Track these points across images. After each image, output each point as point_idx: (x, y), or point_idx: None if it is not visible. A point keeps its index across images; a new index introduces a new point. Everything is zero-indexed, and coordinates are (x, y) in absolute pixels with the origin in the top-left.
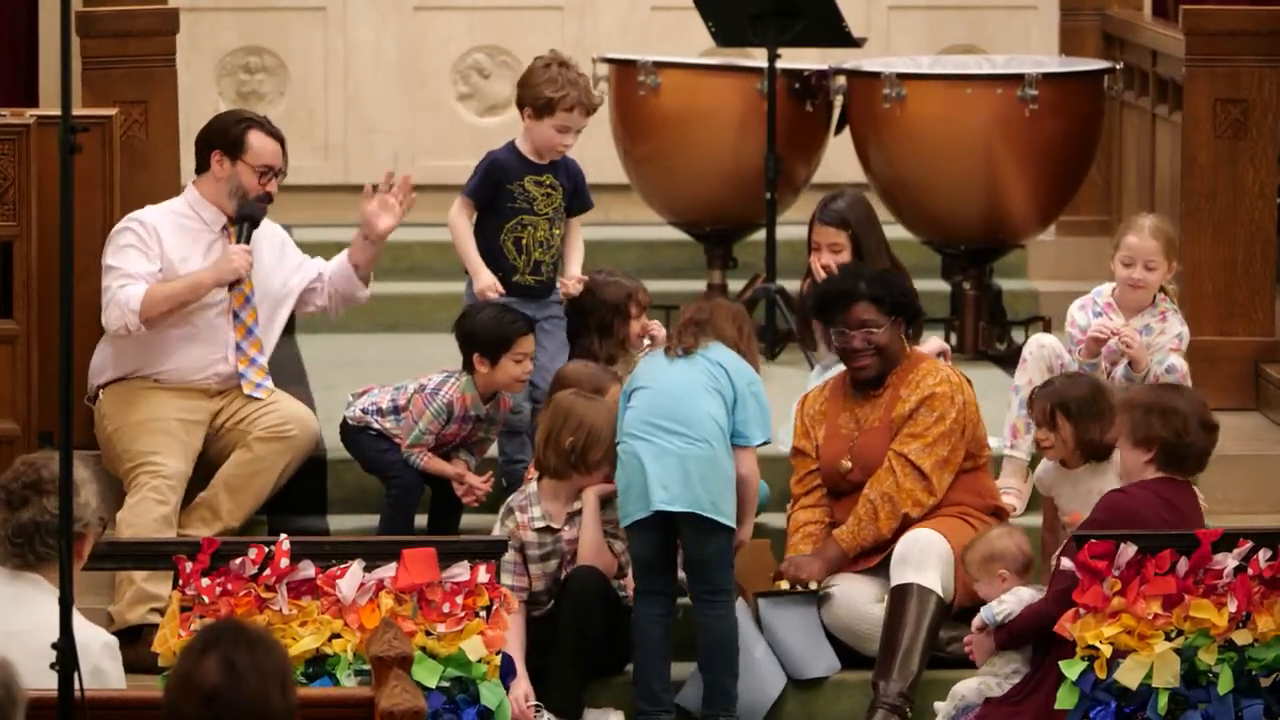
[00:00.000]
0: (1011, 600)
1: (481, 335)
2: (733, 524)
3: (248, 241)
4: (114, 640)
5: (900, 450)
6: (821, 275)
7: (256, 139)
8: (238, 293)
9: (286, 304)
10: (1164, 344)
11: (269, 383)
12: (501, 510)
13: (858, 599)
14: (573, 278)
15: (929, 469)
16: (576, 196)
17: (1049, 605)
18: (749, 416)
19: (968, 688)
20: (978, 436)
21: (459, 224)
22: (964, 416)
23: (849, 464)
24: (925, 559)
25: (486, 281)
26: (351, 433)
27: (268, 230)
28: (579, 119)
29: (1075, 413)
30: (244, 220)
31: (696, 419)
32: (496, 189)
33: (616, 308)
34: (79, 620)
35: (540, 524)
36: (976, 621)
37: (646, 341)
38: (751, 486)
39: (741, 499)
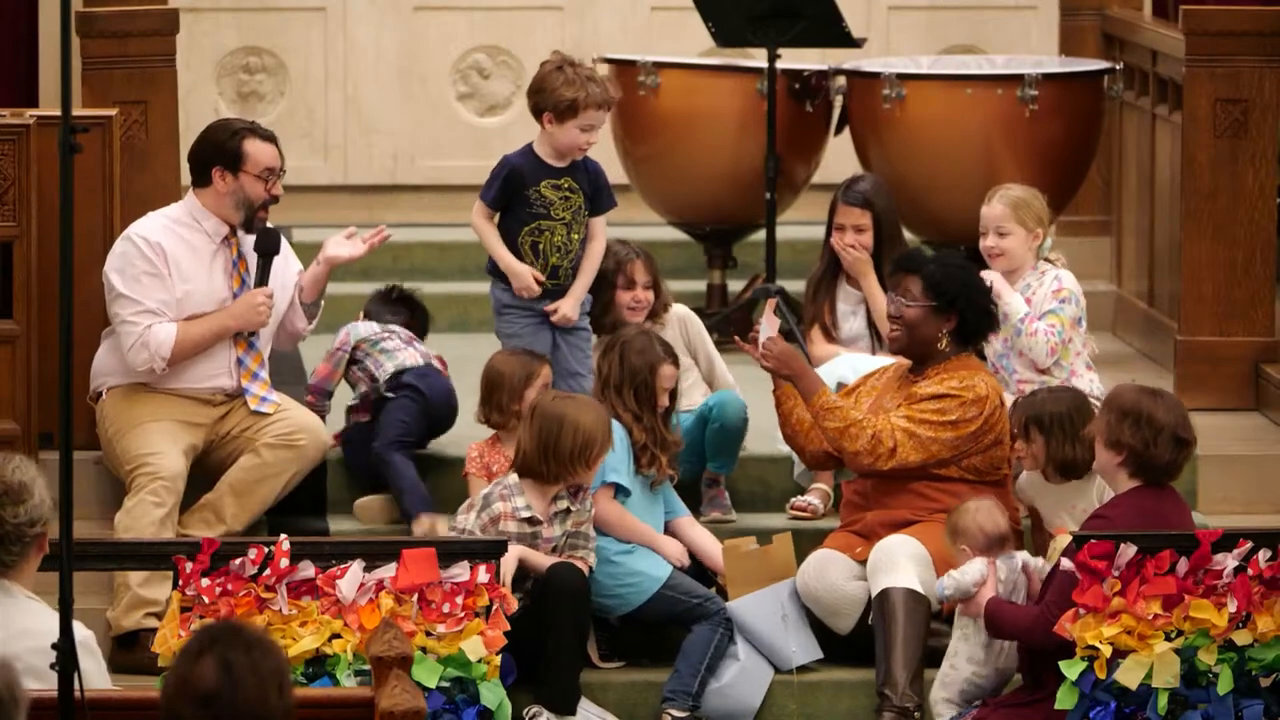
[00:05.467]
0: (956, 576)
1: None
2: (625, 603)
3: (267, 277)
4: (90, 634)
5: (908, 413)
6: (846, 254)
7: (252, 146)
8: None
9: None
10: (1045, 291)
11: (274, 396)
12: (476, 501)
13: (831, 571)
14: (568, 308)
15: (908, 441)
16: (597, 196)
17: (1046, 611)
18: None
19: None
20: (994, 456)
21: (484, 228)
22: (978, 430)
23: None
24: (895, 561)
25: (525, 279)
26: (345, 444)
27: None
28: (601, 115)
29: (1049, 428)
30: (263, 255)
31: None
32: (514, 195)
33: (604, 277)
34: (50, 615)
35: (526, 514)
36: (934, 598)
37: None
38: (613, 526)
39: (622, 536)
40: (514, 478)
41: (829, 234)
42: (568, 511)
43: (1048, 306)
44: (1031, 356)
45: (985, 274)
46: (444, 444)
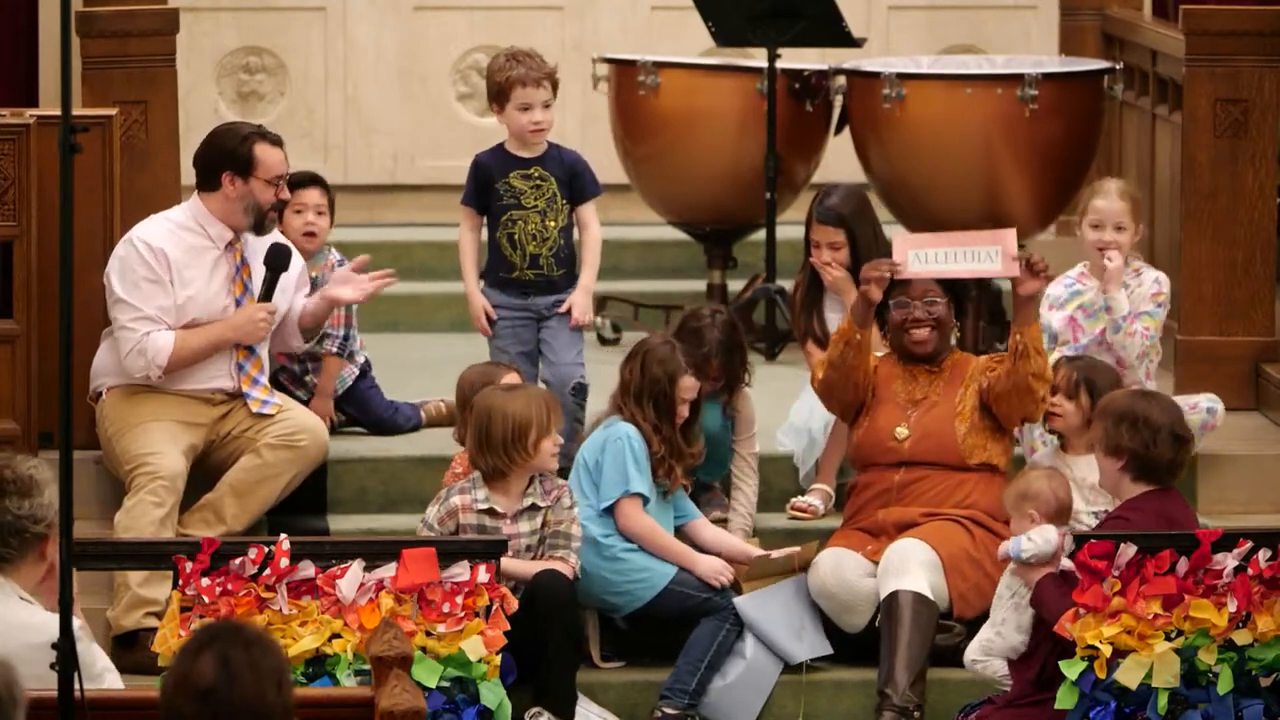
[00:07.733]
0: (1039, 540)
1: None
2: (635, 599)
3: (271, 293)
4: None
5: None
6: (826, 274)
7: (263, 152)
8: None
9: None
10: (1144, 292)
11: (276, 398)
12: (440, 495)
13: (846, 568)
14: (579, 307)
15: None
16: (576, 184)
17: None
18: (600, 480)
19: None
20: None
21: (464, 242)
22: None
23: (906, 431)
24: (905, 566)
25: (476, 312)
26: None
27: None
28: (536, 92)
29: (1100, 395)
30: (272, 269)
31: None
32: (485, 190)
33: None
34: (43, 611)
35: (484, 505)
36: (1000, 551)
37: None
38: (645, 539)
39: (654, 550)
40: (477, 473)
41: (808, 248)
42: (534, 508)
43: (1144, 308)
44: (1123, 354)
45: (1105, 262)
46: (441, 446)
